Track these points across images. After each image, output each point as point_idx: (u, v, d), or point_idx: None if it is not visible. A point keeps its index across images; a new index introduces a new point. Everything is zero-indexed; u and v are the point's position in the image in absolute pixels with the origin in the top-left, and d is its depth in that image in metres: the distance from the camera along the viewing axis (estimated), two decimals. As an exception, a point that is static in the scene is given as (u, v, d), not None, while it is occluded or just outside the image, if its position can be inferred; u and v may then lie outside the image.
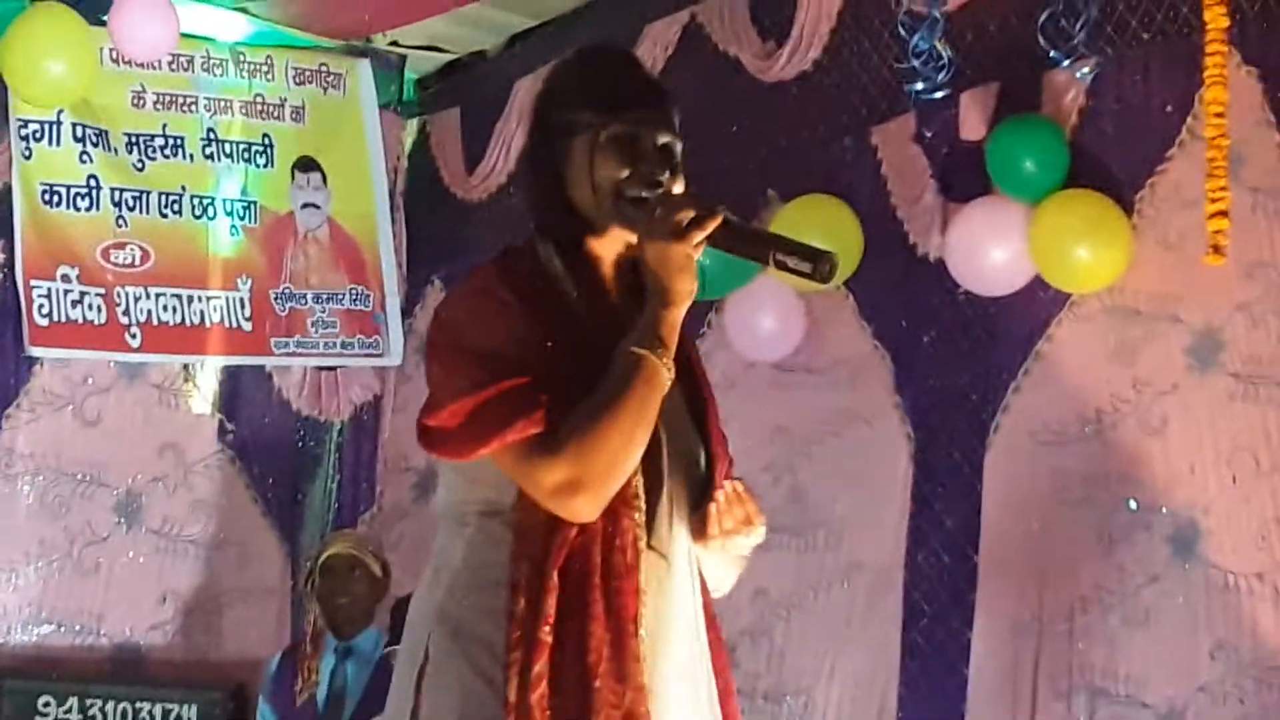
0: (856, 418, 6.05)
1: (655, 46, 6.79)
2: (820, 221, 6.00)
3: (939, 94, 5.71)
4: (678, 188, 3.02)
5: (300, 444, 7.65)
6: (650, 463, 2.94)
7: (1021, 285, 5.56)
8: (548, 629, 2.82)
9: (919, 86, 5.71)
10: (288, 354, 7.31)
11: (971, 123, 5.70)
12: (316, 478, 7.65)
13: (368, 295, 7.49)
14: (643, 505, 2.93)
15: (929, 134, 5.87)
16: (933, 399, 5.85)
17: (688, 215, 2.89)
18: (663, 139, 3.02)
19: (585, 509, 2.83)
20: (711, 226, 2.89)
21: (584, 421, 2.81)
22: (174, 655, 7.24)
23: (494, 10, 7.24)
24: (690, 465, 3.08)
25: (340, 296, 7.40)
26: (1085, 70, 5.39)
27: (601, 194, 2.97)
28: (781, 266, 2.91)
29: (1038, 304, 5.57)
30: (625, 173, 2.97)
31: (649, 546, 2.94)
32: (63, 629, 6.98)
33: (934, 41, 5.62)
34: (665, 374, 2.86)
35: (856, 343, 6.10)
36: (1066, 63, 5.41)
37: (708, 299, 6.37)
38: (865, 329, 6.07)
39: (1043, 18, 5.43)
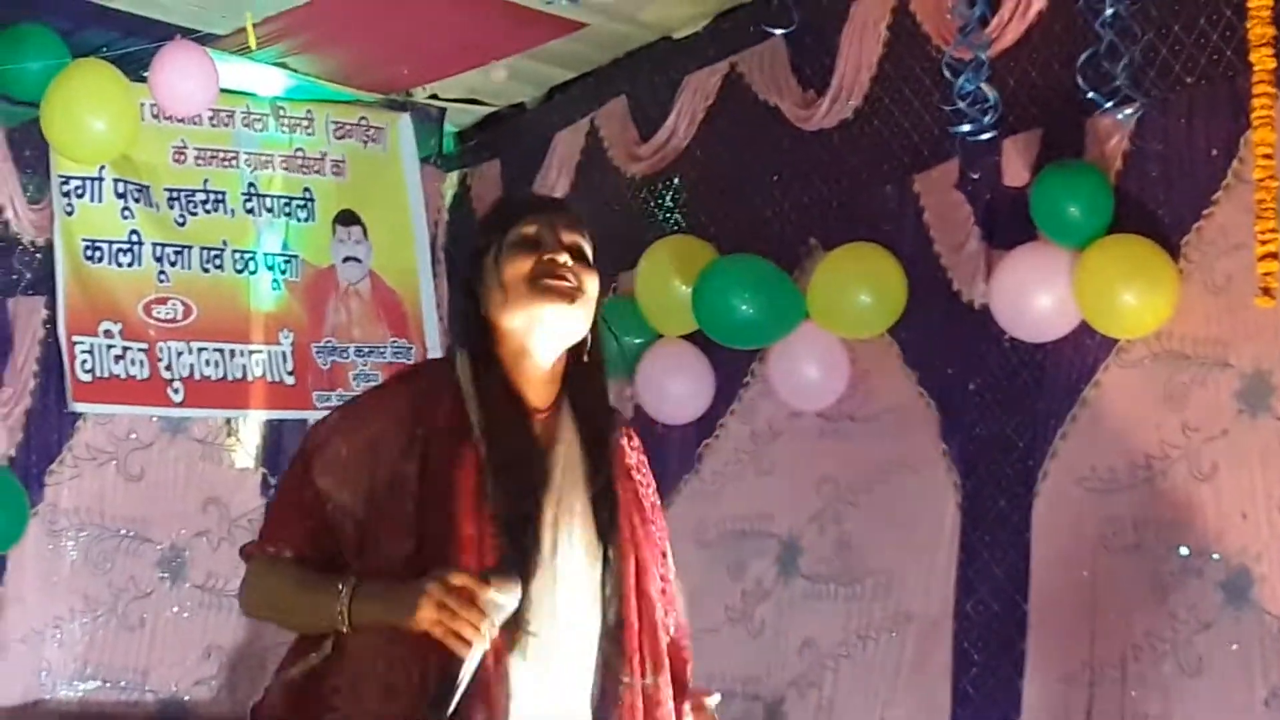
0: (903, 466, 6.02)
1: (695, 96, 6.79)
2: (863, 270, 5.99)
3: (985, 136, 5.68)
4: (590, 281, 3.12)
5: (342, 497, 7.62)
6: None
7: (1067, 331, 5.53)
8: None
9: (965, 129, 5.68)
10: (330, 407, 7.28)
11: (1014, 169, 5.68)
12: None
13: (409, 348, 7.49)
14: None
15: (972, 181, 5.85)
16: (980, 446, 5.81)
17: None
18: (566, 236, 3.12)
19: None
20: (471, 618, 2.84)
21: (270, 597, 3.11)
22: (219, 710, 7.20)
23: (533, 63, 7.26)
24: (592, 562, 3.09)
25: (382, 350, 7.41)
26: (1128, 113, 5.37)
27: (510, 289, 3.06)
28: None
29: (1084, 350, 5.53)
30: (530, 264, 3.06)
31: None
32: (108, 684, 6.95)
33: (979, 83, 5.59)
34: (336, 616, 2.94)
35: (902, 391, 6.07)
36: (1109, 105, 5.38)
37: (750, 348, 6.37)
38: (910, 376, 6.04)
39: (1083, 60, 5.40)
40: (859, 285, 5.98)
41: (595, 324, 3.16)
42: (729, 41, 6.73)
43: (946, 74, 5.69)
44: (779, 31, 6.36)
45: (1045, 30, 5.62)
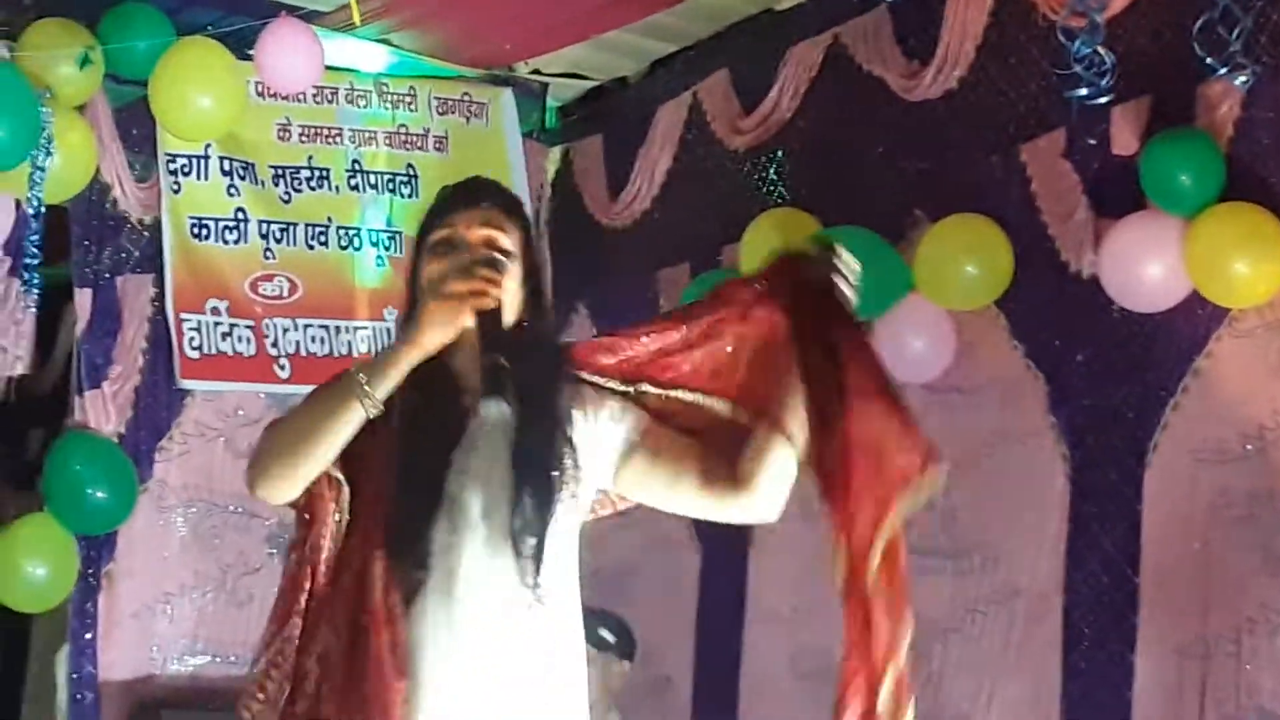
0: (1010, 438, 5.97)
1: (799, 68, 6.76)
2: (969, 241, 5.95)
3: (1102, 99, 5.60)
4: (512, 273, 3.23)
5: (449, 473, 7.63)
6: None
7: (1178, 301, 5.46)
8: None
9: (1081, 93, 5.60)
10: (434, 383, 7.32)
11: (1123, 137, 5.61)
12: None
13: (513, 323, 7.49)
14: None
15: (1081, 149, 5.79)
16: (1088, 418, 5.75)
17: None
18: (477, 233, 3.24)
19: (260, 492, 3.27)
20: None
21: (284, 430, 3.24)
22: (327, 685, 7.25)
23: (635, 36, 7.23)
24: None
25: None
26: (1241, 80, 5.28)
27: (426, 293, 3.19)
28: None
29: (1195, 320, 5.46)
30: (443, 268, 3.19)
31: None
32: (218, 659, 7.00)
33: (1095, 45, 5.52)
34: (361, 400, 3.08)
35: (1008, 363, 6.02)
36: (1222, 71, 5.30)
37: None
38: (1017, 349, 5.99)
39: (1196, 28, 5.33)
40: (965, 256, 5.93)
41: (532, 294, 3.28)
42: (832, 12, 6.69)
43: (1061, 38, 5.61)
44: (882, 3, 6.31)
45: (1153, -1, 5.56)
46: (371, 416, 3.10)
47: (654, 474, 3.31)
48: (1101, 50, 5.51)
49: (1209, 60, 5.30)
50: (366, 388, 3.08)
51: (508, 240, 3.25)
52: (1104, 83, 5.53)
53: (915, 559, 6.05)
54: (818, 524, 6.35)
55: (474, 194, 3.35)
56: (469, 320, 3.12)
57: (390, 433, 3.17)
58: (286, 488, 3.19)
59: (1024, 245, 5.91)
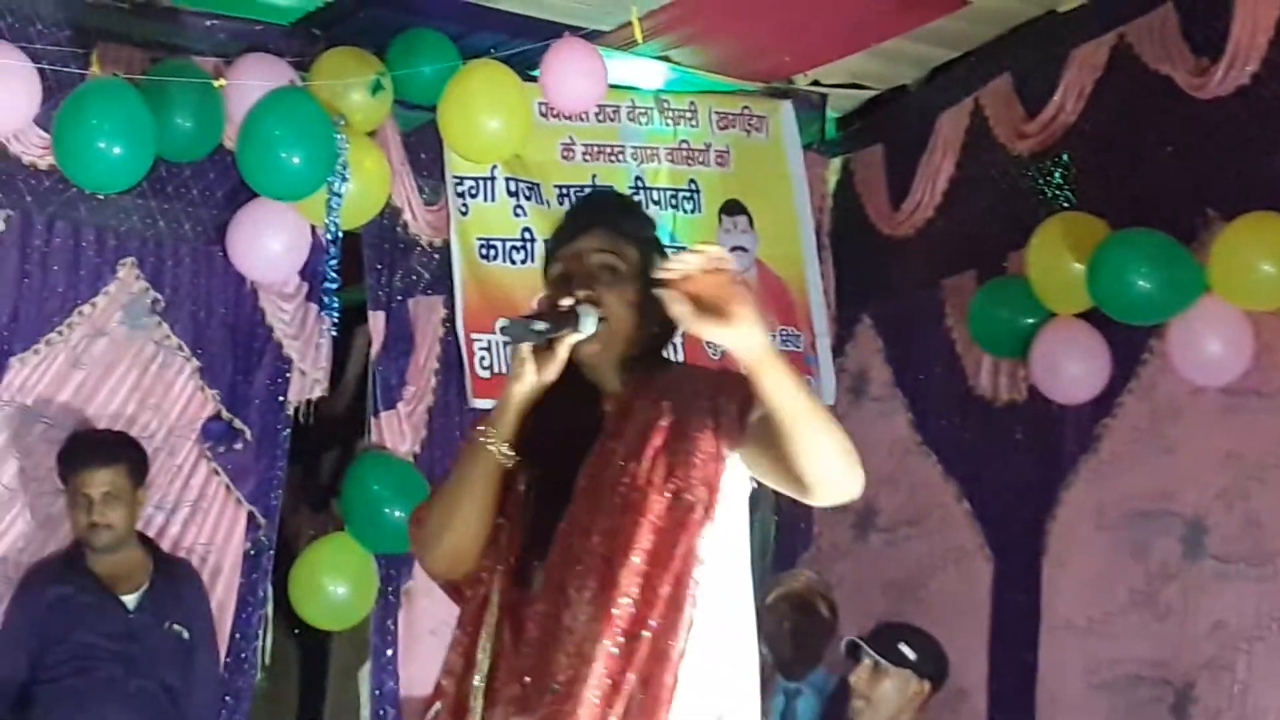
0: (1314, 440, 5.84)
1: (1083, 70, 6.67)
2: (1267, 239, 5.82)
3: None
4: (612, 298, 3.23)
5: (738, 486, 7.63)
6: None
7: None
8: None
9: None
10: (720, 396, 7.34)
11: None
12: (754, 519, 7.60)
13: (798, 336, 7.49)
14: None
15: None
16: (1395, 420, 5.60)
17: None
18: (594, 260, 3.26)
19: (428, 566, 3.33)
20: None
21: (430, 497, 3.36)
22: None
23: (914, 44, 7.19)
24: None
25: (771, 338, 7.40)
26: None
27: None
28: (544, 337, 3.16)
29: None
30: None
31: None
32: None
33: None
34: (488, 449, 3.17)
35: (1310, 363, 5.88)
36: None
37: (1148, 323, 6.22)
38: (1318, 348, 5.85)
39: None
40: (1262, 255, 5.80)
41: (648, 308, 3.21)
42: (1116, 12, 6.58)
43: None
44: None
45: None
46: (501, 459, 3.18)
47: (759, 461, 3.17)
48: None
49: None
50: (488, 434, 3.18)
51: (619, 261, 3.27)
52: None
53: (1217, 565, 6.01)
54: (1112, 532, 6.28)
55: (579, 218, 3.40)
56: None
57: None
58: (452, 555, 3.26)
59: (1323, 242, 5.76)
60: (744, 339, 2.95)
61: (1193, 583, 6.12)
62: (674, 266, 2.95)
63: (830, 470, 3.04)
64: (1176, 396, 6.26)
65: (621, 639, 3.03)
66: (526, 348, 3.15)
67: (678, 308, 2.93)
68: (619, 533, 3.09)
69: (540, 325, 3.15)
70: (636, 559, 3.06)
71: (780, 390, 2.98)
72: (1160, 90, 6.39)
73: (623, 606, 3.04)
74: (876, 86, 7.73)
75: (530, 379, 3.16)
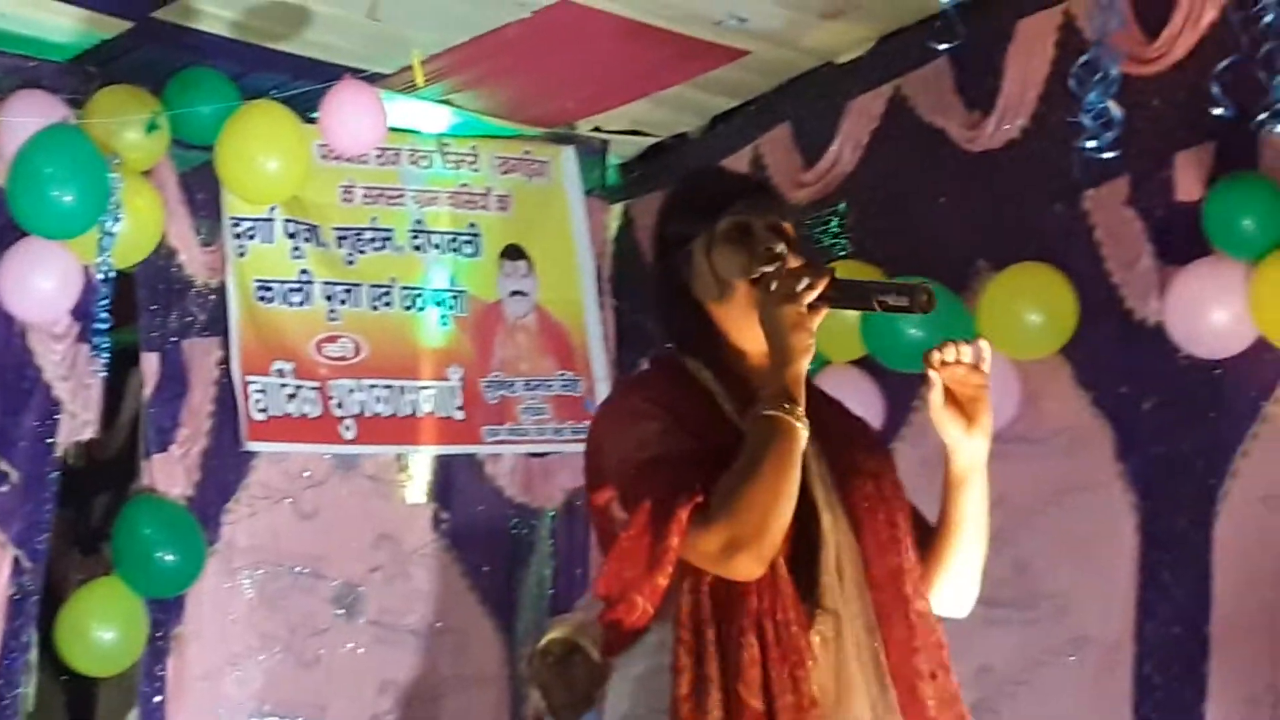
0: (1078, 487, 5.95)
1: (860, 120, 6.76)
2: (1034, 289, 5.94)
3: (1106, 154, 5.61)
4: (795, 262, 3.15)
5: (514, 531, 7.64)
6: (802, 525, 3.07)
7: (1244, 347, 5.45)
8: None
9: (1091, 143, 5.62)
10: (499, 442, 7.35)
11: (1187, 183, 5.61)
12: (531, 565, 7.64)
13: (577, 381, 7.51)
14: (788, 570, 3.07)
15: (1143, 197, 5.78)
16: (1157, 466, 5.73)
17: (802, 278, 3.05)
18: (771, 219, 3.19)
19: (748, 566, 2.97)
20: (821, 286, 3.05)
21: (732, 486, 2.96)
22: (395, 745, 7.26)
23: (695, 92, 7.26)
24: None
25: (550, 383, 7.43)
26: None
27: (727, 285, 3.16)
28: (885, 308, 3.11)
29: (1263, 365, 5.44)
30: (744, 256, 3.15)
31: (821, 606, 3.07)
32: (286, 720, 7.02)
33: (1106, 100, 5.53)
34: (799, 428, 3.01)
35: (1075, 411, 6.00)
36: (1263, 117, 5.26)
37: (920, 371, 6.30)
38: (1084, 396, 5.98)
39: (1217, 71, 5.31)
40: (1029, 305, 5.92)
41: None
42: (893, 65, 6.69)
43: (1073, 87, 5.61)
44: (944, 47, 6.30)
45: (1218, 41, 5.53)
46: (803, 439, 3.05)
47: None
48: (1112, 105, 5.51)
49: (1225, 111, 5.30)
50: (797, 413, 3.03)
51: (790, 227, 3.26)
52: (1107, 137, 5.54)
53: (984, 610, 6.06)
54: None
55: (754, 181, 3.50)
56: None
57: None
58: (776, 547, 3.03)
59: (1088, 293, 5.90)
60: (978, 449, 3.15)
61: (960, 627, 6.13)
62: (949, 352, 3.07)
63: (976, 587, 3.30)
64: (947, 444, 6.34)
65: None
66: (819, 319, 3.06)
67: (936, 394, 2.98)
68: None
69: (896, 299, 3.08)
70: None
71: (983, 503, 3.23)
72: (934, 142, 6.50)
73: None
74: (658, 133, 7.79)
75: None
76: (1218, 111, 5.41)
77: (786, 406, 3.01)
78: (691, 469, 3.00)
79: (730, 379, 3.19)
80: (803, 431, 3.01)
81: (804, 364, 3.06)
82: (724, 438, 3.07)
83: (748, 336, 3.18)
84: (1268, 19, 5.17)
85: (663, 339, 3.30)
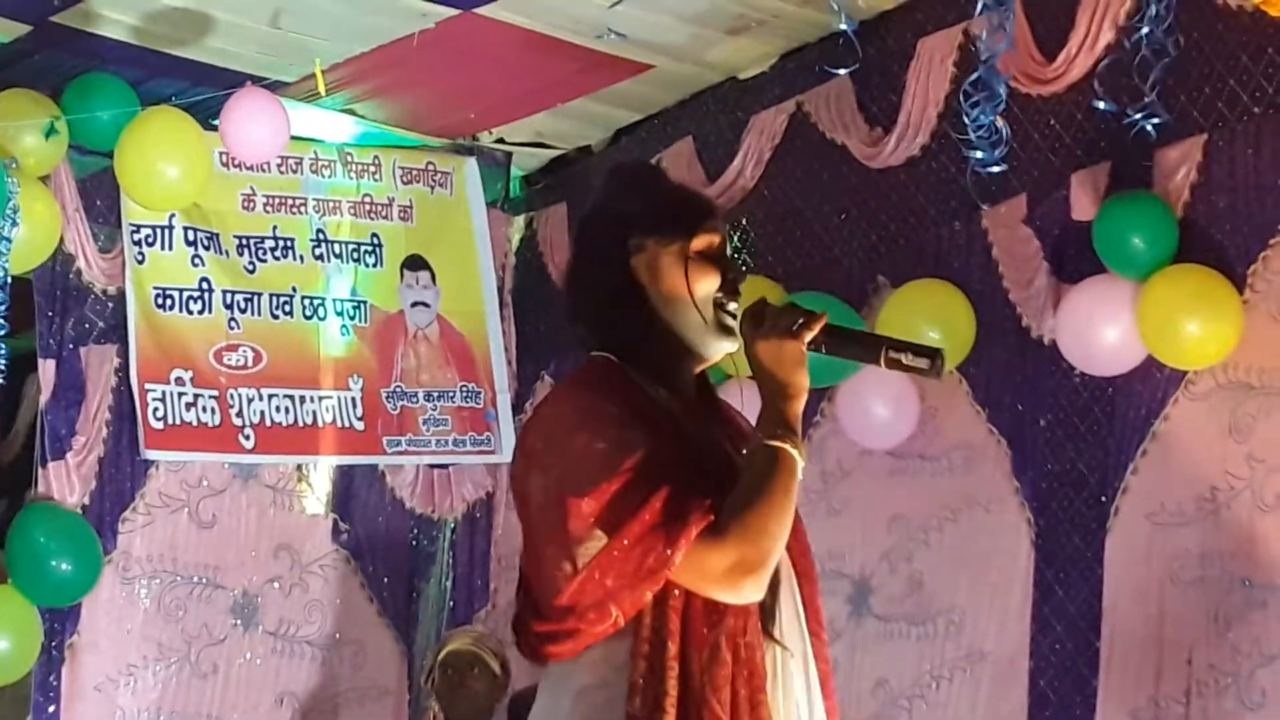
0: (974, 504, 6.00)
1: (762, 136, 6.79)
2: (932, 306, 5.98)
3: (994, 169, 5.71)
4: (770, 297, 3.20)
5: (414, 543, 7.62)
6: None
7: (1135, 364, 5.52)
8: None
9: (977, 155, 5.68)
10: (400, 453, 7.32)
11: (1082, 203, 5.66)
12: (431, 576, 7.62)
13: (478, 392, 7.49)
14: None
15: (1040, 215, 5.83)
16: (1051, 483, 5.79)
17: (798, 317, 3.05)
18: (726, 243, 3.22)
19: (752, 589, 2.98)
20: (818, 326, 3.05)
21: (742, 509, 2.96)
22: (292, 757, 7.22)
23: (598, 105, 7.27)
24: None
25: (451, 394, 7.41)
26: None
27: (703, 307, 3.13)
28: (895, 365, 3.07)
29: (1153, 383, 5.51)
30: (719, 283, 3.15)
31: (770, 637, 3.06)
32: (181, 731, 6.97)
33: (993, 117, 5.59)
34: (801, 463, 3.03)
35: (971, 428, 6.05)
36: (1137, 117, 5.36)
37: (819, 387, 6.34)
38: (980, 414, 6.03)
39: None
40: (927, 322, 5.94)
41: None
42: (795, 81, 6.72)
43: (962, 100, 5.68)
44: (843, 71, 6.34)
45: (1113, 64, 5.59)
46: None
47: None
48: (1000, 121, 5.57)
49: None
50: (800, 447, 3.05)
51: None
52: (995, 153, 5.60)
53: (880, 625, 6.15)
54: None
55: (706, 195, 3.40)
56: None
57: None
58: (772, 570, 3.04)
59: (985, 310, 5.95)
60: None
61: (858, 641, 6.24)
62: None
63: None
64: (846, 458, 6.38)
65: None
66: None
67: None
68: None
69: (913, 359, 3.06)
70: None
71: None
72: (836, 158, 6.55)
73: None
74: (561, 146, 7.79)
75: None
76: (1100, 105, 5.50)
77: (793, 440, 3.04)
78: (687, 482, 2.98)
79: (676, 389, 3.17)
80: (801, 465, 3.04)
81: (803, 402, 3.09)
82: (677, 444, 3.05)
83: (696, 351, 3.18)
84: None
85: (600, 340, 3.24)
